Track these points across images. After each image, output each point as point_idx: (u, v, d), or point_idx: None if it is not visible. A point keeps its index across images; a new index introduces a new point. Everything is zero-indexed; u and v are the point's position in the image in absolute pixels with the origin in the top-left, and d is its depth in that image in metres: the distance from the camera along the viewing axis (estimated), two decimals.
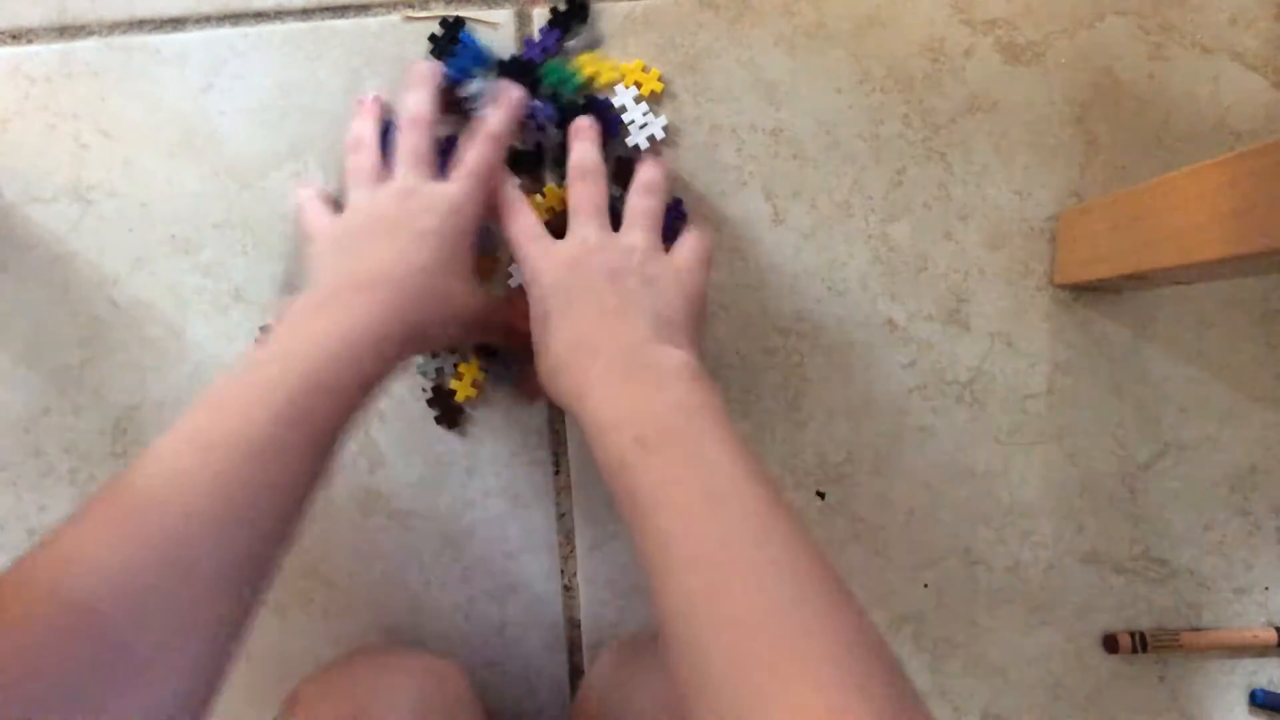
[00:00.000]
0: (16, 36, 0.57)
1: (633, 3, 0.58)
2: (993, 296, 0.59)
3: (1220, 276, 0.56)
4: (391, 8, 0.58)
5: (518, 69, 0.56)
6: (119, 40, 0.58)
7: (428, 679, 0.47)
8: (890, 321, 0.59)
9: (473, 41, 0.56)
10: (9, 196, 0.57)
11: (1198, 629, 0.59)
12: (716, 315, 0.58)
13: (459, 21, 0.57)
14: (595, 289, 0.44)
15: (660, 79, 0.57)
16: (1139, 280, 0.54)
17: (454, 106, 0.55)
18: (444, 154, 0.52)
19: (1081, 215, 0.56)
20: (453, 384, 0.57)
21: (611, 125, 0.56)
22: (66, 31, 0.58)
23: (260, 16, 0.58)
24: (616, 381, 0.41)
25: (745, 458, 0.37)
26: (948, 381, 0.59)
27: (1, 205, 0.57)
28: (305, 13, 0.58)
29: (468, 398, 0.57)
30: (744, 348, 0.59)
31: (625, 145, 0.57)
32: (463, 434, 0.58)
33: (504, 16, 0.58)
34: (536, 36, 0.57)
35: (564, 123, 0.55)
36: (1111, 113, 0.59)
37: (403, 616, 0.58)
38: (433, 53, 0.57)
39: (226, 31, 0.58)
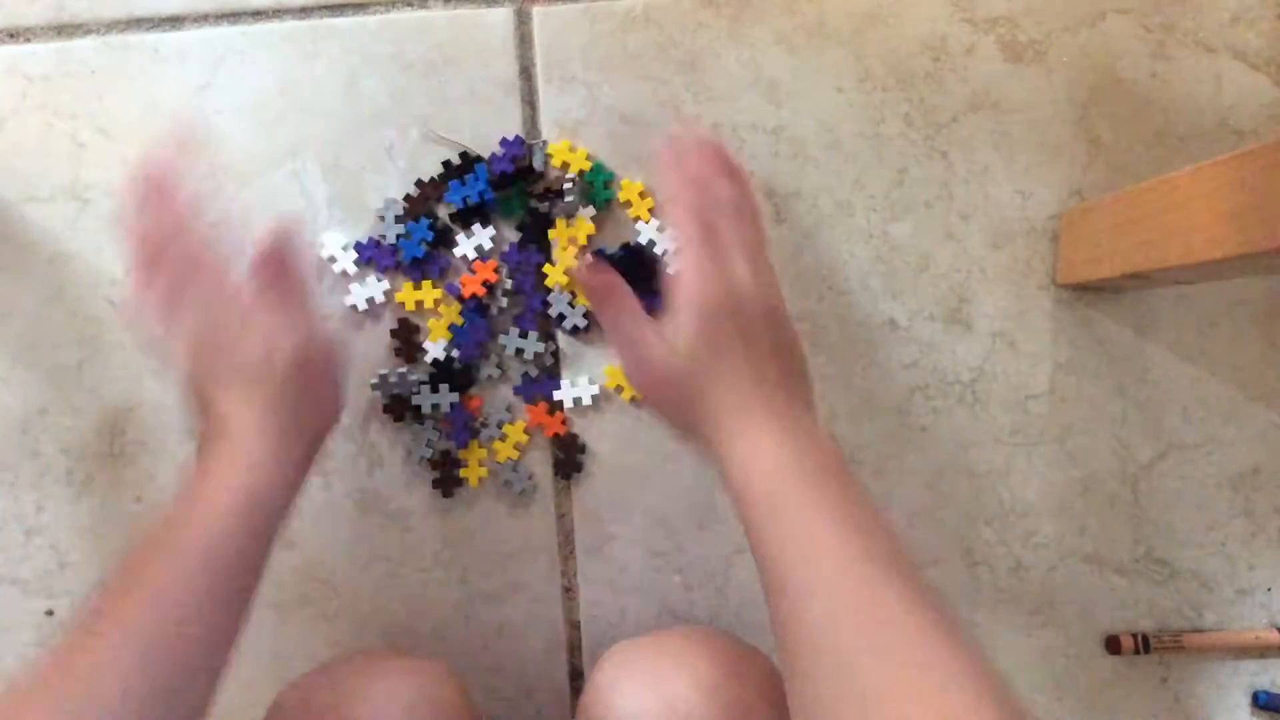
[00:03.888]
0: (14, 35, 0.57)
1: (633, 1, 0.58)
2: (994, 296, 0.59)
3: (1222, 276, 0.56)
4: (390, 6, 0.58)
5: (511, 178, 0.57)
6: (117, 39, 0.57)
7: (414, 680, 0.46)
8: (892, 321, 0.58)
9: (485, 174, 0.56)
10: (6, 195, 0.57)
11: (1200, 630, 0.59)
12: None
13: (478, 158, 0.57)
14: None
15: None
16: (1141, 280, 0.54)
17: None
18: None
19: (1083, 214, 0.56)
20: (462, 473, 0.57)
21: (651, 266, 0.57)
22: (64, 30, 0.57)
23: (258, 15, 0.58)
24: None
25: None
26: (949, 381, 0.59)
27: None
28: (303, 11, 0.58)
29: (480, 478, 0.58)
30: None
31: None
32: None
33: (504, 15, 0.57)
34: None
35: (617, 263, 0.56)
36: (1113, 111, 0.58)
37: (401, 617, 0.58)
38: (443, 177, 0.57)
39: (224, 30, 0.58)
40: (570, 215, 0.57)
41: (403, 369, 0.56)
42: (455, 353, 0.57)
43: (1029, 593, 0.59)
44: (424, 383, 0.56)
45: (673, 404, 0.44)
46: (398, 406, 0.57)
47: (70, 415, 0.57)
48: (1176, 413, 0.59)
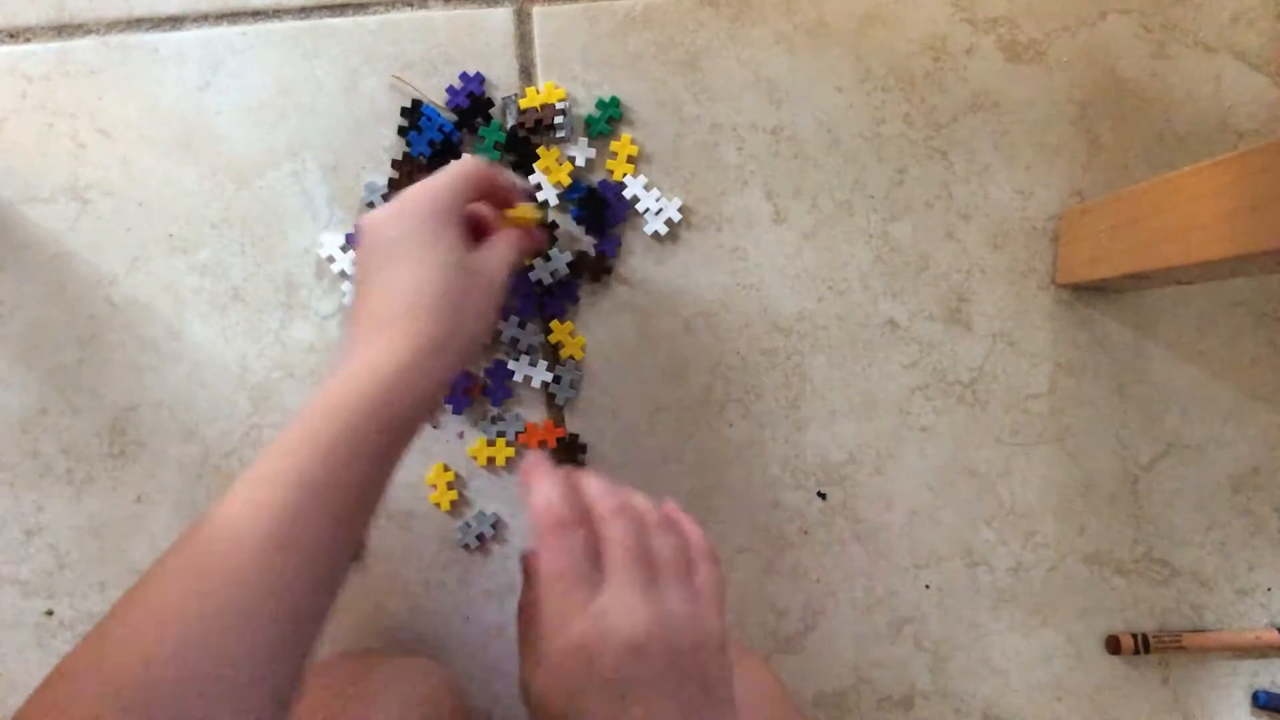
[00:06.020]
0: (14, 35, 0.57)
1: (633, 1, 0.58)
2: (994, 296, 0.59)
3: (1222, 276, 0.56)
4: (390, 6, 0.58)
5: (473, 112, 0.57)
6: (117, 39, 0.57)
7: (409, 677, 0.47)
8: (892, 321, 0.59)
9: (436, 115, 0.56)
10: (6, 195, 0.57)
11: (1200, 630, 0.59)
12: (717, 315, 0.58)
13: (420, 101, 0.57)
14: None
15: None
16: (1141, 280, 0.54)
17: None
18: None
19: (1083, 214, 0.56)
20: (431, 499, 0.57)
21: (618, 210, 0.57)
22: (64, 30, 0.57)
23: (258, 15, 0.58)
24: None
25: None
26: (949, 381, 0.59)
27: None
28: (303, 11, 0.58)
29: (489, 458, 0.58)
30: (744, 348, 0.58)
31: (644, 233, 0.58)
32: (462, 438, 0.58)
33: (504, 15, 0.57)
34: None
35: (578, 200, 0.57)
36: (1113, 112, 0.58)
37: (402, 617, 0.58)
38: (402, 131, 0.57)
39: (224, 30, 0.58)
40: (566, 142, 0.57)
41: None
42: None
43: (1029, 593, 0.59)
44: None
45: None
46: None
47: (70, 415, 0.57)
48: (1177, 413, 0.59)
